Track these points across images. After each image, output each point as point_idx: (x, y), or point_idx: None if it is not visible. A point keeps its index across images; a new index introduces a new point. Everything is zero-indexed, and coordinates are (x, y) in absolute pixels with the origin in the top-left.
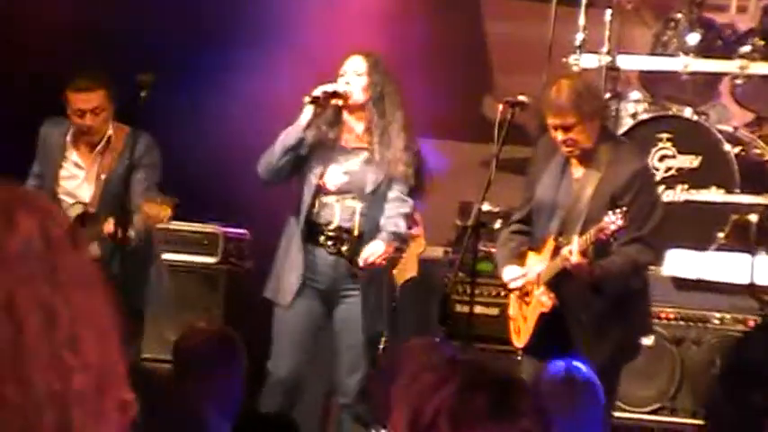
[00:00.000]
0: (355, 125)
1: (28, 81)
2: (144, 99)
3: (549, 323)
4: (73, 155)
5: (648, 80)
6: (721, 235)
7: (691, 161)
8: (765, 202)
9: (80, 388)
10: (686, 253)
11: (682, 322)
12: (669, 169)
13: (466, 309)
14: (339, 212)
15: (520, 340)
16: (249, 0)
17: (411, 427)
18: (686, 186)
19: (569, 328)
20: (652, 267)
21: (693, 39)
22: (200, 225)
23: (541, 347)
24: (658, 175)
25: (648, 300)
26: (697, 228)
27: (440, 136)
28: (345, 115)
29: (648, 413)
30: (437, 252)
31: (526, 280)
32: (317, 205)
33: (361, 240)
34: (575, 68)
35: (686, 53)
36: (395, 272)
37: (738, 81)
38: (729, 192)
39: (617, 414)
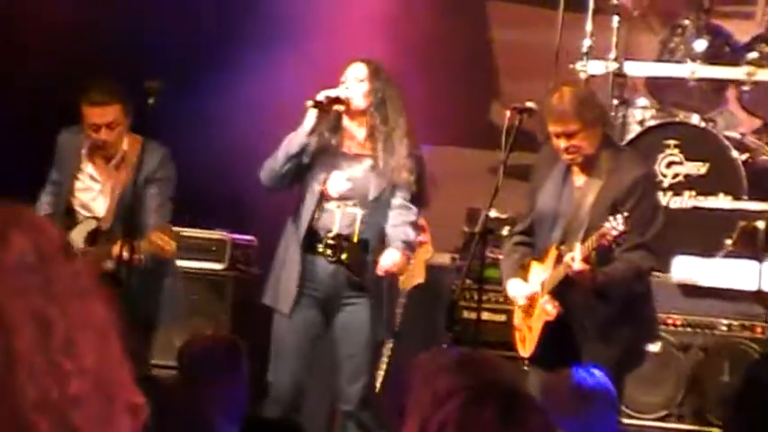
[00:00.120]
0: (356, 131)
1: (29, 81)
2: (152, 106)
3: (555, 332)
4: (88, 167)
5: (655, 87)
6: (729, 242)
7: (698, 168)
8: None
9: (78, 392)
10: (694, 260)
11: (689, 329)
12: (676, 176)
13: (473, 315)
14: (339, 219)
15: (525, 350)
16: (254, 4)
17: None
18: (694, 193)
19: (575, 335)
20: (659, 274)
21: (701, 45)
22: (208, 231)
23: (548, 357)
24: (666, 182)
25: (653, 305)
26: (704, 234)
27: (447, 142)
28: (346, 121)
29: (656, 420)
30: (444, 258)
31: (530, 293)
32: (318, 212)
33: (360, 248)
34: (582, 75)
35: (693, 60)
36: (402, 278)
37: (745, 88)
38: (737, 198)
39: (624, 420)
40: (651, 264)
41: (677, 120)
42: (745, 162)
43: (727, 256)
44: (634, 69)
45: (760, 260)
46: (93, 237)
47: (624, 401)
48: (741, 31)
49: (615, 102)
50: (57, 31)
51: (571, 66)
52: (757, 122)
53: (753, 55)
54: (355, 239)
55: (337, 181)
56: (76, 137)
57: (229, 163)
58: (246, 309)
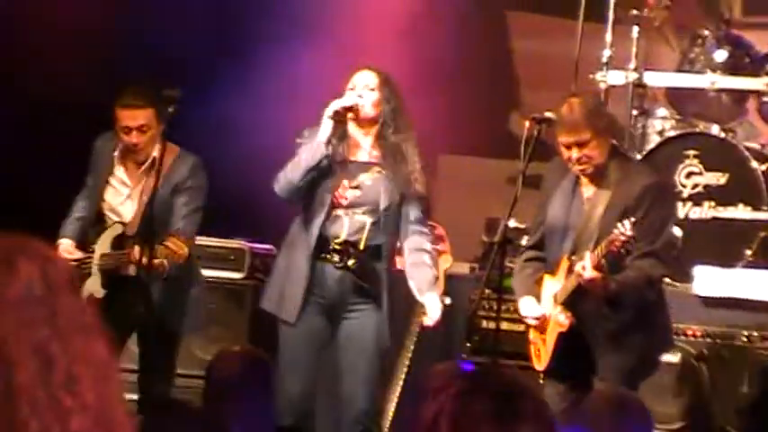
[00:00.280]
0: (362, 140)
1: (40, 84)
2: (172, 115)
3: (569, 343)
4: (120, 171)
5: (675, 97)
6: (749, 252)
7: (718, 178)
8: None
9: (78, 429)
10: (713, 270)
11: (708, 339)
12: (696, 186)
13: (492, 325)
14: (347, 226)
15: (540, 363)
16: (271, 9)
17: (414, 430)
18: (713, 203)
19: (588, 346)
20: (678, 284)
21: (721, 56)
22: (227, 240)
23: (563, 369)
24: (685, 193)
25: (667, 313)
26: (724, 245)
27: (466, 152)
28: (352, 129)
29: (674, 431)
30: (463, 268)
31: (542, 313)
32: (327, 220)
33: (367, 255)
34: (602, 85)
35: (713, 70)
36: None
37: (766, 98)
38: (757, 209)
39: None
40: (661, 272)
41: (697, 130)
42: (764, 172)
43: (746, 266)
44: (654, 80)
45: None
46: (118, 241)
47: None
48: (762, 42)
49: (635, 112)
50: (68, 34)
51: (591, 76)
52: None
53: None
54: (362, 246)
55: (347, 189)
56: (111, 142)
57: (247, 172)
58: (265, 318)
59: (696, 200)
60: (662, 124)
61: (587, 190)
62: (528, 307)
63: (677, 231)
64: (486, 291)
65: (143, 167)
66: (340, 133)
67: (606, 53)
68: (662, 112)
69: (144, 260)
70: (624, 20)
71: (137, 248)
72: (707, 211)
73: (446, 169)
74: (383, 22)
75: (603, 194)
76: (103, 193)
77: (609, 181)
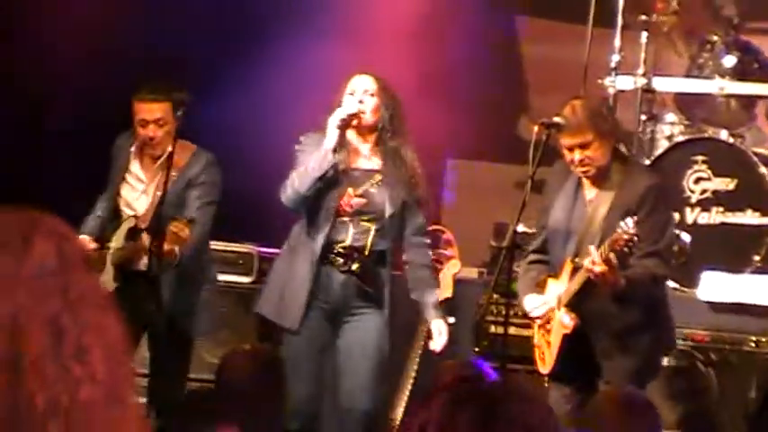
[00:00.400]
0: (361, 146)
1: (46, 84)
2: (180, 118)
3: (574, 346)
4: (135, 166)
5: (684, 102)
6: (757, 258)
7: (726, 184)
8: None
9: (89, 400)
10: (722, 275)
11: (716, 345)
12: (704, 192)
13: (500, 330)
14: (352, 232)
15: (545, 367)
16: (280, 13)
17: None
18: (722, 209)
19: (593, 348)
20: (686, 289)
21: (729, 61)
22: (235, 244)
23: (568, 371)
24: (694, 198)
25: (670, 314)
26: (733, 250)
27: (475, 157)
28: (351, 136)
29: None
30: (472, 273)
31: (548, 308)
32: (333, 227)
33: (371, 259)
34: (610, 90)
35: (722, 76)
36: None
37: None
38: (765, 214)
39: None
40: (664, 271)
41: (706, 135)
42: None
43: (755, 271)
44: (663, 85)
45: None
46: (131, 234)
47: None
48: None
49: (644, 117)
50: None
51: (600, 81)
52: None
53: None
54: (366, 252)
55: (352, 198)
56: (128, 140)
57: (255, 175)
58: (273, 322)
59: (704, 205)
60: (670, 129)
61: (589, 192)
62: (531, 301)
63: (686, 237)
64: (495, 295)
65: (158, 162)
66: (341, 140)
67: (615, 58)
68: (670, 117)
69: (154, 247)
70: (633, 25)
71: (146, 236)
72: (715, 216)
73: (455, 174)
74: (392, 26)
75: (606, 196)
76: (120, 189)
77: (611, 183)
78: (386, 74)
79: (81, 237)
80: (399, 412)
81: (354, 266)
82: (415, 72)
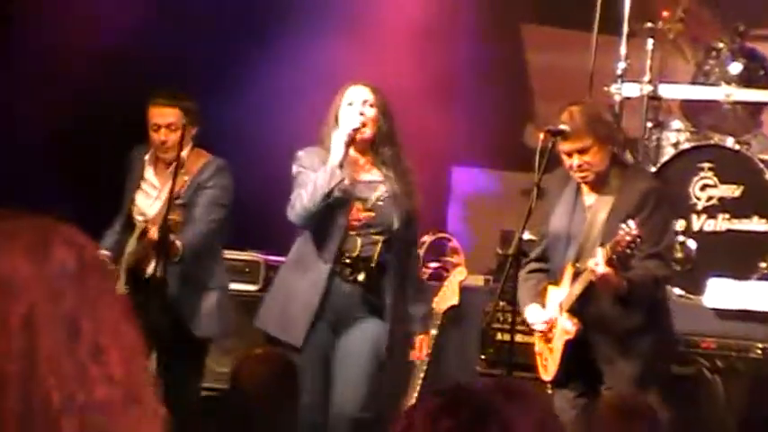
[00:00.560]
0: (360, 157)
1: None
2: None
3: (576, 351)
4: (149, 173)
5: (690, 109)
6: (763, 264)
7: (732, 191)
8: None
9: (105, 399)
10: (728, 282)
11: (723, 352)
12: (711, 199)
13: (507, 337)
14: (360, 244)
15: (548, 374)
16: (280, 14)
17: None
18: (728, 216)
19: (595, 353)
20: (692, 297)
21: (735, 68)
22: (242, 252)
23: (571, 378)
24: (700, 205)
25: (671, 319)
26: (739, 257)
27: (481, 164)
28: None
29: None
30: (478, 280)
31: (550, 320)
32: (342, 241)
33: (378, 270)
34: (616, 97)
35: (728, 83)
36: (436, 300)
37: None
38: None
39: None
40: (665, 273)
41: (712, 143)
42: None
43: (761, 278)
44: (669, 92)
45: None
46: (141, 237)
47: None
48: None
49: (650, 124)
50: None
51: (606, 88)
52: None
53: None
54: (373, 264)
55: (361, 212)
56: (142, 150)
57: (262, 183)
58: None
59: (711, 212)
60: (676, 137)
61: (589, 198)
62: (534, 313)
63: (692, 244)
64: (501, 303)
65: (170, 168)
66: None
67: (621, 65)
68: (677, 124)
69: (155, 234)
70: (639, 32)
71: (154, 229)
72: (721, 223)
73: (461, 181)
74: (397, 35)
75: (605, 202)
76: (134, 198)
77: (610, 188)
78: (391, 82)
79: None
80: None
81: (360, 277)
82: (421, 79)
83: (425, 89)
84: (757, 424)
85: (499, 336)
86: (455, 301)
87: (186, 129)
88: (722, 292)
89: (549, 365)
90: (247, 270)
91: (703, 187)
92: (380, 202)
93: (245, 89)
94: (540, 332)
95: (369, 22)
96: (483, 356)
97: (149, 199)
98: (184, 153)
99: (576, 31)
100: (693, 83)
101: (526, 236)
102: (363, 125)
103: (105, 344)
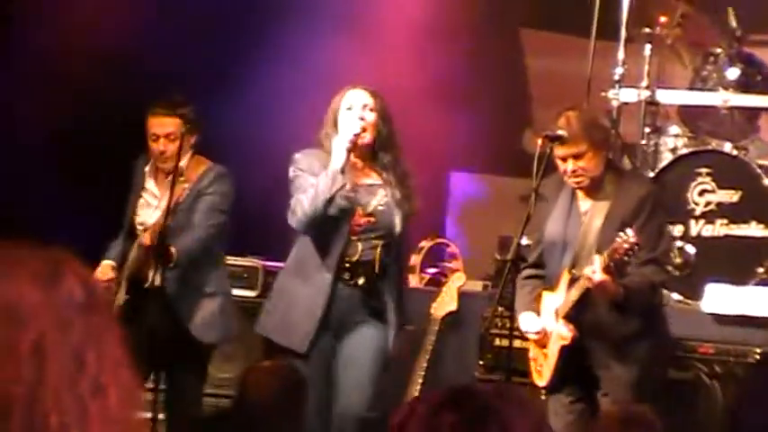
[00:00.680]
0: (359, 162)
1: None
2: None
3: (571, 357)
4: (150, 183)
5: (688, 115)
6: (761, 270)
7: (730, 196)
8: None
9: None
10: (726, 288)
11: (721, 357)
12: (709, 204)
13: (505, 342)
14: (361, 248)
15: (542, 379)
16: (283, 29)
17: None
18: (726, 221)
19: (591, 358)
20: (691, 302)
21: (733, 74)
22: (240, 258)
23: (566, 383)
24: (698, 210)
25: (667, 325)
26: (737, 262)
27: (479, 170)
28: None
29: None
30: (476, 286)
31: (542, 327)
32: (345, 246)
33: (378, 274)
34: (614, 102)
35: (726, 88)
36: (435, 305)
37: None
38: None
39: None
40: (662, 278)
41: (709, 148)
42: None
43: (759, 283)
44: (666, 97)
45: None
46: (140, 246)
47: None
48: None
49: (647, 130)
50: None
51: (603, 94)
52: None
53: None
54: (376, 269)
55: (362, 217)
56: (143, 160)
57: (261, 186)
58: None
59: (709, 218)
60: (674, 142)
61: (584, 204)
62: (528, 322)
63: (690, 249)
64: (499, 308)
65: (169, 177)
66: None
67: (619, 71)
68: (674, 129)
69: (149, 239)
70: (637, 38)
71: (147, 235)
72: (719, 228)
73: (459, 187)
74: (398, 36)
75: (600, 207)
76: (136, 208)
77: (605, 194)
78: (391, 84)
79: (104, 262)
80: None
81: (360, 281)
82: (419, 85)
83: (424, 92)
84: (755, 429)
85: (498, 341)
86: (453, 306)
87: (185, 138)
88: (720, 298)
89: (543, 371)
90: (246, 276)
91: (701, 192)
92: (381, 207)
93: (245, 89)
94: (535, 340)
95: (369, 23)
96: (481, 362)
97: (150, 209)
98: (183, 162)
99: (574, 36)
100: (691, 88)
101: (525, 241)
102: (364, 130)
103: (106, 382)
